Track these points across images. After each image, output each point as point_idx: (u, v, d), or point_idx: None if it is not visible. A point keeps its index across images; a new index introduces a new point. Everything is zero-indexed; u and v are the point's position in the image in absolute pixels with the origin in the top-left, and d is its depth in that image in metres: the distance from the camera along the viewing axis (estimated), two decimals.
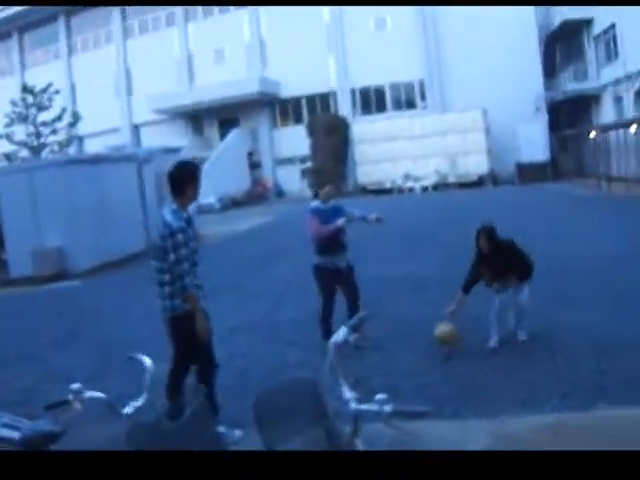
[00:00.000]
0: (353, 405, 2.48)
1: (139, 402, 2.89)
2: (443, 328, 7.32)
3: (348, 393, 2.53)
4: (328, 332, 7.84)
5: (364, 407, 2.45)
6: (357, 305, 8.15)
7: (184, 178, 5.37)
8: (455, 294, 7.58)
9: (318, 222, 8.04)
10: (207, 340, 5.57)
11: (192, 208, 5.74)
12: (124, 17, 51.84)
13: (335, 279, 8.17)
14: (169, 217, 5.26)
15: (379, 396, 2.39)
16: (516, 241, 7.47)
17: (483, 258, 7.39)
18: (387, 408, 2.35)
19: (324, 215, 8.09)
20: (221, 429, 5.33)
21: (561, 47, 46.51)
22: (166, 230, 5.20)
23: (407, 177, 40.69)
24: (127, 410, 2.86)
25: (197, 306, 5.37)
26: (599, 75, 39.32)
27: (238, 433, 5.36)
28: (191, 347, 5.49)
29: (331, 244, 8.05)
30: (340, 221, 7.97)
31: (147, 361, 3.02)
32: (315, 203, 8.36)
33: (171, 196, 5.42)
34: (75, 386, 2.77)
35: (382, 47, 43.47)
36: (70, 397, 2.75)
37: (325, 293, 8.22)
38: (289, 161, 47.00)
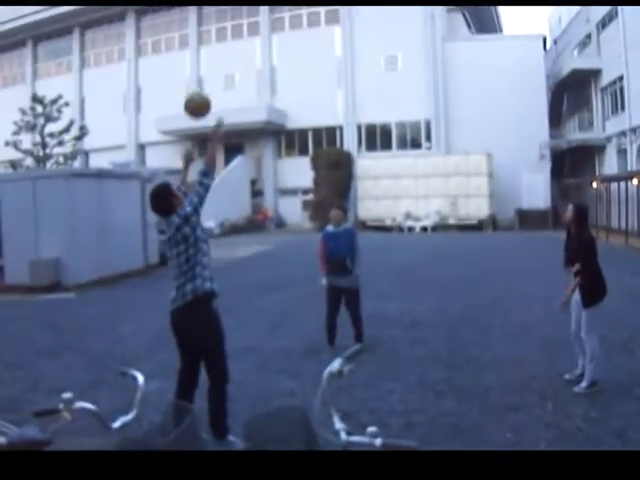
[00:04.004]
0: (343, 436, 2.47)
1: (129, 417, 2.86)
2: None
3: (339, 424, 2.52)
4: (331, 340, 9.54)
5: (354, 439, 2.44)
6: (357, 322, 9.50)
7: (165, 195, 5.66)
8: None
9: (324, 245, 9.41)
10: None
11: None
12: (138, 36, 52.26)
13: (336, 296, 9.44)
14: (176, 215, 5.54)
15: (370, 429, 2.38)
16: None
17: (567, 232, 7.78)
18: (377, 441, 2.34)
19: (333, 238, 9.38)
20: (231, 439, 5.56)
21: (568, 96, 46.95)
22: (179, 218, 5.48)
23: (408, 216, 40.76)
24: (116, 424, 2.83)
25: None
26: (604, 126, 39.65)
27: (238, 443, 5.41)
28: (209, 330, 5.73)
29: (332, 267, 9.32)
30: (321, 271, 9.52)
31: (139, 377, 3.00)
32: (329, 227, 9.62)
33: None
34: (66, 395, 2.74)
35: (391, 85, 43.78)
36: (60, 406, 2.72)
37: (328, 305, 9.49)
38: (291, 192, 47.05)
